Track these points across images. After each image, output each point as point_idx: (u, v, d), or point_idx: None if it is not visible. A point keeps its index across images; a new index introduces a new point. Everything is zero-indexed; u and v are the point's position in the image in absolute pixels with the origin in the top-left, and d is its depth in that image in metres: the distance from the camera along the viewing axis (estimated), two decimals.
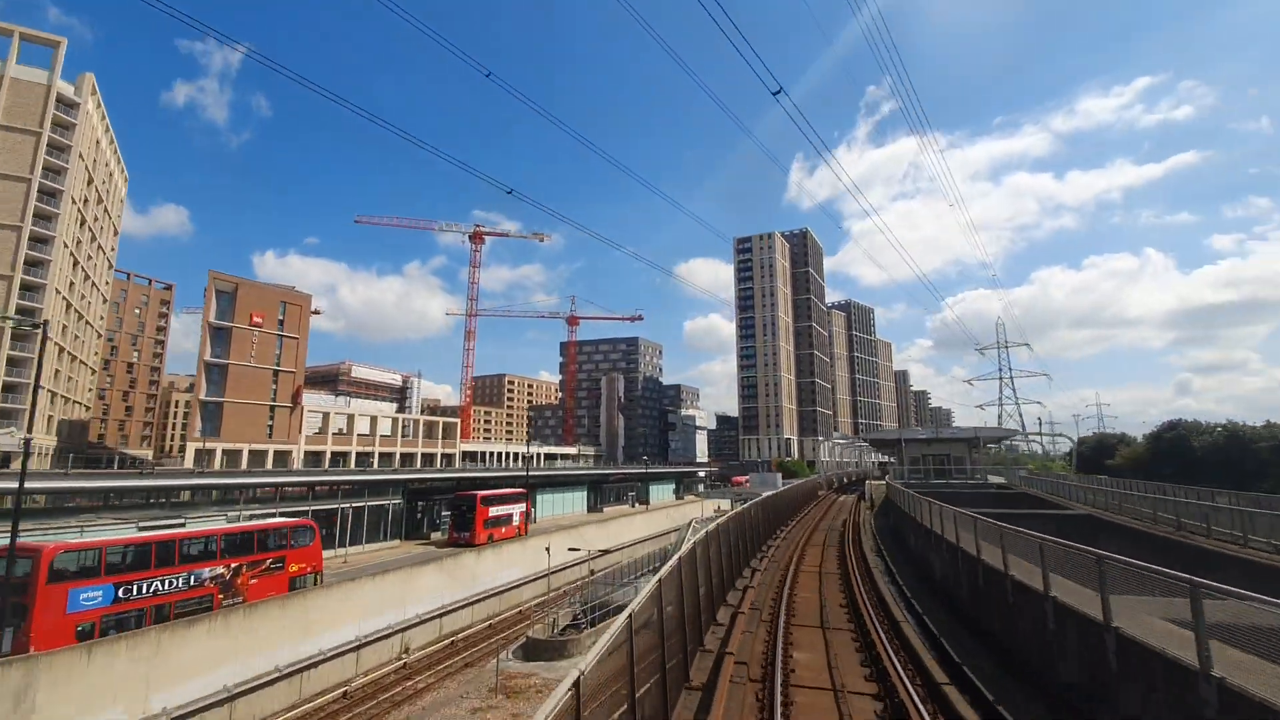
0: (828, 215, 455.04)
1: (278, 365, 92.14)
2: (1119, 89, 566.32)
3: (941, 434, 55.03)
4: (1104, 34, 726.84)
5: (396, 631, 27.87)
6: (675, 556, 11.20)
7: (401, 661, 27.48)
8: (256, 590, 25.71)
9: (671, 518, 65.82)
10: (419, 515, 55.65)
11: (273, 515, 33.11)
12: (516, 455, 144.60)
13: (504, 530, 51.96)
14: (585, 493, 74.70)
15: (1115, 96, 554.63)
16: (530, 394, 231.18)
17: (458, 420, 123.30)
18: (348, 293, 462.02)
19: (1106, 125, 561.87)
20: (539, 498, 65.81)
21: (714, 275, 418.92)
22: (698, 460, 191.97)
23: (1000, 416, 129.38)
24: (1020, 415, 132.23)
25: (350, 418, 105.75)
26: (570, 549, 35.98)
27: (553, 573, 41.30)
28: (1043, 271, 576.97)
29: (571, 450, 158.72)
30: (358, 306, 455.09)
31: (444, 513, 54.23)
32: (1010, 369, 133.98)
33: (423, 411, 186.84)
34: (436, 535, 53.13)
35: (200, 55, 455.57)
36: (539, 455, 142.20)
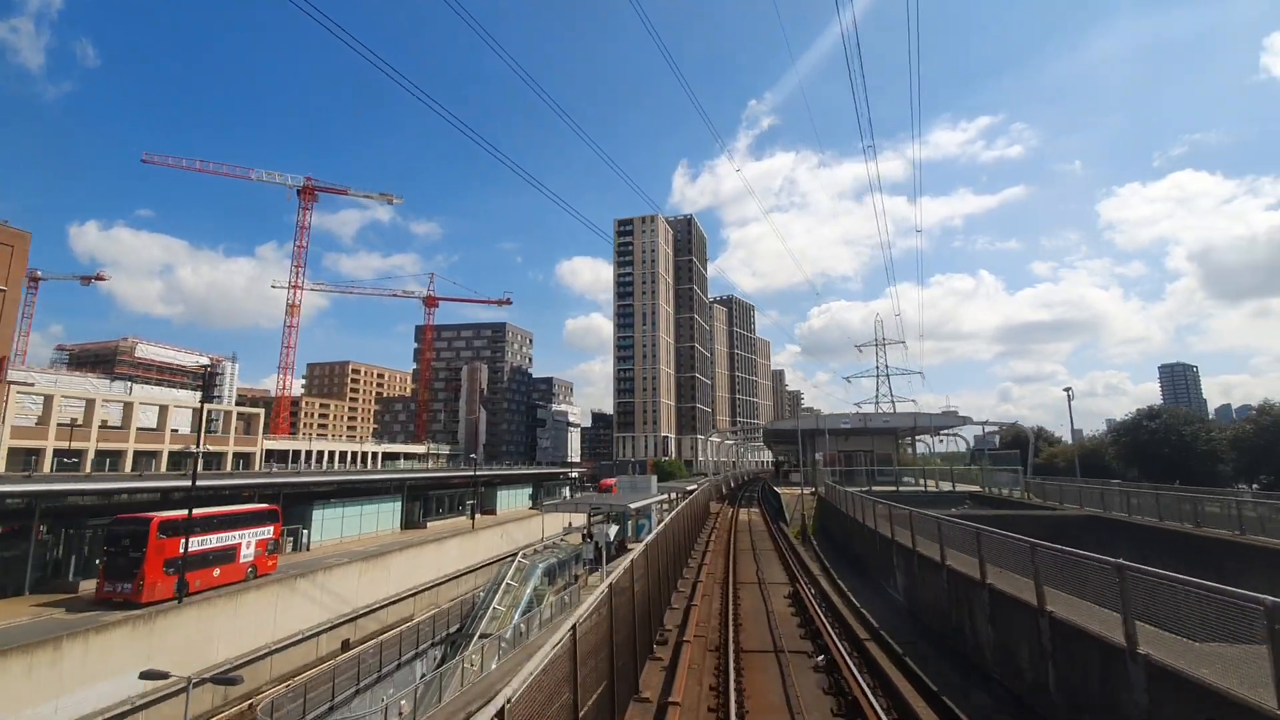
0: (711, 220, 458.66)
1: None
2: (964, 125, 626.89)
3: (870, 423, 42.38)
4: (957, 73, 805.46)
5: None
6: None
7: None
8: None
9: (511, 537, 48.90)
10: (78, 552, 34.25)
11: None
12: (360, 455, 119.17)
13: (219, 572, 32.36)
14: (398, 504, 55.41)
15: (961, 131, 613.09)
16: (381, 385, 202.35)
17: (259, 411, 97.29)
18: (189, 274, 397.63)
19: (953, 157, 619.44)
20: (319, 514, 46.05)
21: (595, 275, 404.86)
22: (569, 460, 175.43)
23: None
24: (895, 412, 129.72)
25: (90, 403, 78.02)
26: (143, 675, 16.83)
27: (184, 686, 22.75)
28: (896, 287, 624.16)
29: (420, 449, 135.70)
30: (201, 290, 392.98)
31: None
32: (888, 367, 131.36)
33: (239, 402, 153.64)
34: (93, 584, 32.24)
35: None
36: (373, 454, 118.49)
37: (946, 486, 34.75)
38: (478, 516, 70.07)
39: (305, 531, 44.15)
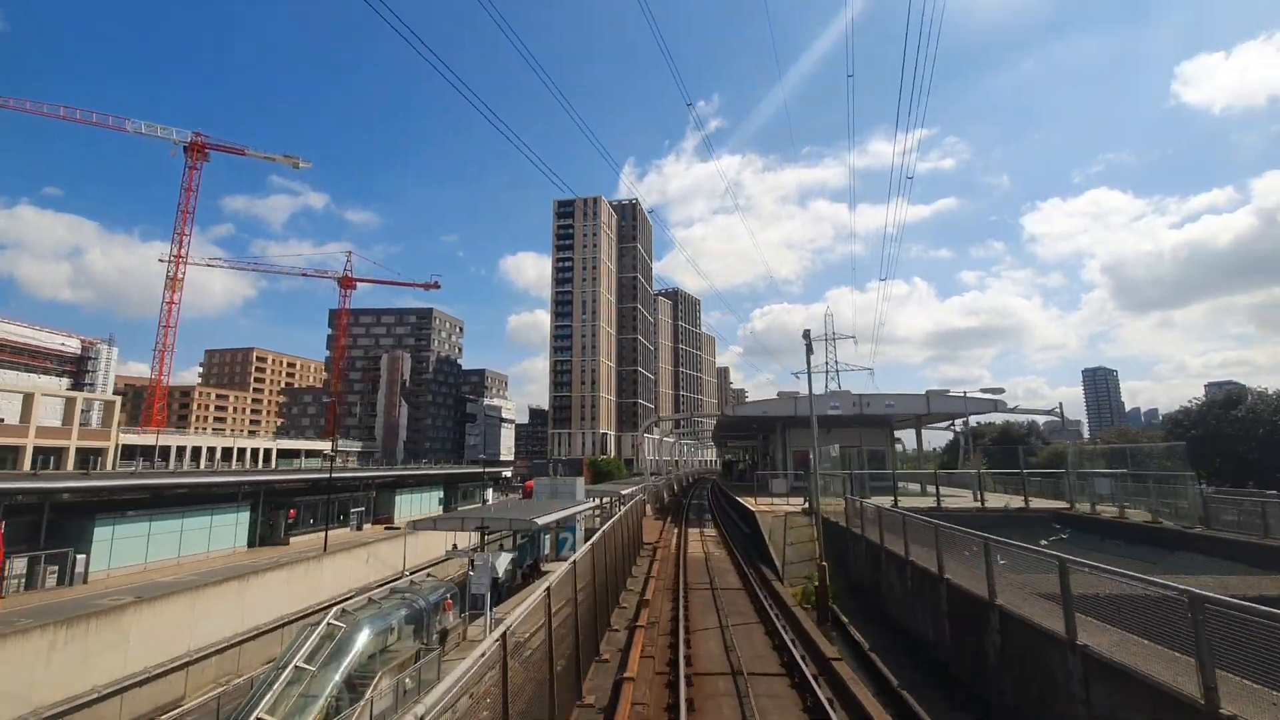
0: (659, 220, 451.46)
1: None
2: (901, 136, 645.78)
3: (868, 407, 31.53)
4: (895, 84, 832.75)
5: None
6: None
7: None
8: None
9: (383, 560, 37.43)
10: None
11: None
12: (251, 451, 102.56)
13: None
14: (246, 514, 42.91)
15: (898, 142, 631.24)
16: (291, 375, 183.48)
17: (116, 399, 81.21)
18: (99, 257, 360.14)
19: (890, 167, 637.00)
20: (107, 531, 33.38)
21: (539, 271, 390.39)
22: (501, 459, 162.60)
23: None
24: None
25: None
26: None
27: None
28: (834, 291, 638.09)
29: (321, 445, 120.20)
30: (114, 276, 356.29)
31: None
32: (838, 363, 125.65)
33: (119, 391, 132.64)
34: None
35: None
36: (265, 451, 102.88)
37: (1009, 503, 23.28)
38: (365, 528, 57.98)
39: (81, 557, 31.51)
